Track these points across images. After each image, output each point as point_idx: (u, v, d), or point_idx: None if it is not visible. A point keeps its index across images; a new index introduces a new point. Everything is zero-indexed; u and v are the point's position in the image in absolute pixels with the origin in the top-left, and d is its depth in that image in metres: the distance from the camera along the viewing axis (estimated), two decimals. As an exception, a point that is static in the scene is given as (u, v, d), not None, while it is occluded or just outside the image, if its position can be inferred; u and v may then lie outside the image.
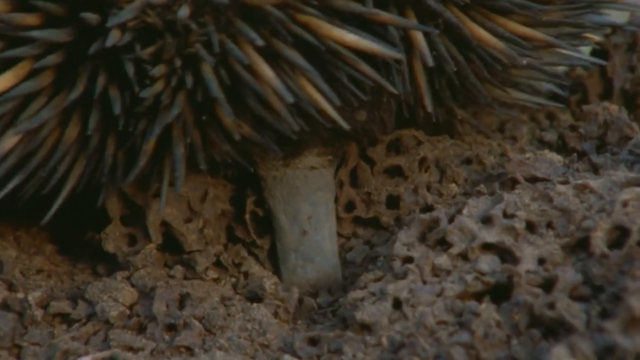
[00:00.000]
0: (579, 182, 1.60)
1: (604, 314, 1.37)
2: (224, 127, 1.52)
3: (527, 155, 1.81)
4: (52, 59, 1.44)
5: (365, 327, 1.48)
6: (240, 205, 1.84)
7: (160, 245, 1.81)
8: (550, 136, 2.05)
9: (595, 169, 1.78)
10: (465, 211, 1.61)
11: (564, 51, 1.76)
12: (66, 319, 1.68)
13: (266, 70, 1.43)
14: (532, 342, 1.38)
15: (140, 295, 1.69)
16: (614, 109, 1.94)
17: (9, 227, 1.90)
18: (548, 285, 1.44)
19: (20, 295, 1.73)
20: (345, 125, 1.55)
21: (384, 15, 1.47)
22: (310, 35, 1.44)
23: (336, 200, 1.86)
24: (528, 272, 1.47)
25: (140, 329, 1.62)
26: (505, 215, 1.57)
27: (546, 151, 1.83)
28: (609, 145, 1.88)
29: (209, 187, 1.82)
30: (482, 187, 1.75)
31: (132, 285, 1.71)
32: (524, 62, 1.62)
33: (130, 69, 1.42)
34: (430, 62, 1.53)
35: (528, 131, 2.11)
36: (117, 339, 1.57)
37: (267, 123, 1.53)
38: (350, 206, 1.87)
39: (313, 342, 1.52)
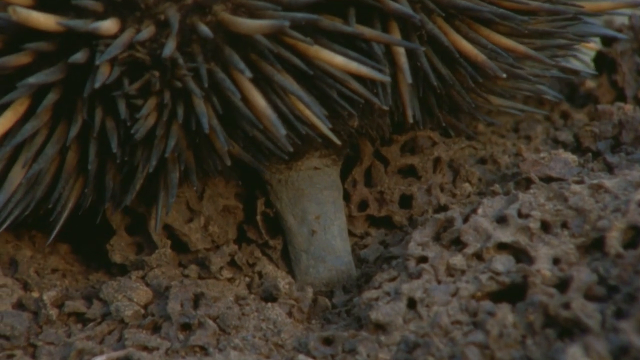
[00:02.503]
0: (594, 181, 1.60)
1: (619, 314, 1.38)
2: (216, 150, 1.55)
3: (542, 154, 1.81)
4: (51, 97, 1.47)
5: (380, 327, 1.49)
6: (250, 207, 1.86)
7: (173, 245, 1.83)
8: (565, 136, 2.06)
9: (610, 169, 1.78)
10: (480, 211, 1.62)
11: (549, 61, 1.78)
12: (81, 319, 1.70)
13: (259, 99, 1.45)
14: (547, 342, 1.39)
15: (155, 294, 1.71)
16: (629, 108, 1.94)
17: (24, 226, 1.92)
18: (563, 285, 1.45)
19: (35, 294, 1.76)
20: (337, 140, 1.58)
21: (368, 33, 1.49)
22: (297, 59, 1.46)
23: (349, 198, 1.87)
24: (543, 271, 1.48)
25: (155, 329, 1.64)
26: (520, 215, 1.57)
27: (561, 151, 1.83)
28: (623, 144, 1.88)
29: (205, 184, 1.83)
30: (496, 187, 1.76)
31: (147, 285, 1.73)
32: (504, 75, 1.63)
33: (122, 106, 1.45)
34: (409, 79, 1.55)
35: (542, 131, 2.11)
36: (132, 339, 1.59)
37: (259, 142, 1.56)
38: (363, 205, 1.89)
39: (327, 342, 1.53)
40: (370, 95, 1.55)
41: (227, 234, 1.84)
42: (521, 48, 1.64)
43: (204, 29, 1.39)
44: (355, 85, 1.52)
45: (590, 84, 2.21)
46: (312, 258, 1.76)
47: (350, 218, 1.88)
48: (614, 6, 1.75)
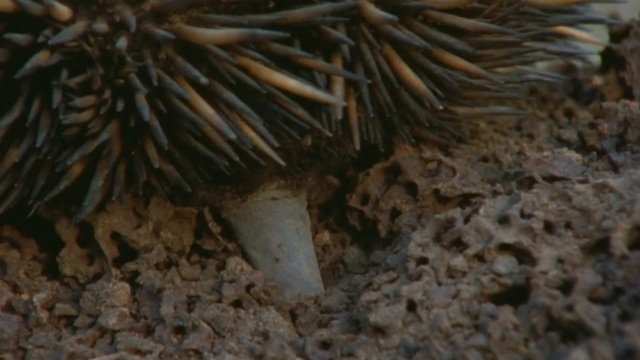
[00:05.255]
0: (599, 181, 1.60)
1: (624, 317, 1.38)
2: (148, 157, 1.55)
3: (545, 153, 1.81)
4: None
5: (379, 330, 1.49)
6: (201, 217, 1.86)
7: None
8: (569, 134, 2.05)
9: (615, 168, 1.78)
10: (481, 211, 1.62)
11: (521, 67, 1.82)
12: (72, 321, 1.70)
13: (205, 107, 1.47)
14: (550, 345, 1.39)
15: (148, 296, 1.70)
16: (634, 106, 1.93)
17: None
18: (567, 287, 1.45)
19: (25, 296, 1.75)
20: (281, 162, 1.59)
21: (313, 62, 1.52)
22: (250, 79, 1.47)
23: (354, 189, 1.87)
24: (546, 273, 1.48)
25: (148, 332, 1.63)
26: (523, 215, 1.57)
27: (564, 149, 1.83)
28: (629, 143, 1.87)
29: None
30: (498, 186, 1.76)
31: (123, 279, 1.73)
32: (440, 107, 1.65)
33: (56, 96, 1.44)
34: (340, 115, 1.56)
35: (546, 129, 2.11)
36: (124, 342, 1.59)
37: (200, 155, 1.56)
38: (364, 200, 1.89)
39: (325, 345, 1.53)
40: (315, 122, 1.57)
41: (182, 240, 1.83)
42: (472, 68, 1.65)
43: (160, 32, 1.40)
44: (300, 111, 1.54)
45: (597, 80, 2.21)
46: (278, 286, 1.73)
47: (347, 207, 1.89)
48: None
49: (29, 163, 1.55)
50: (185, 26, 1.43)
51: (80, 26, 1.40)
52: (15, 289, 1.78)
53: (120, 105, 1.46)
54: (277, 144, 1.54)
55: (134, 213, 1.81)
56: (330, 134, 1.61)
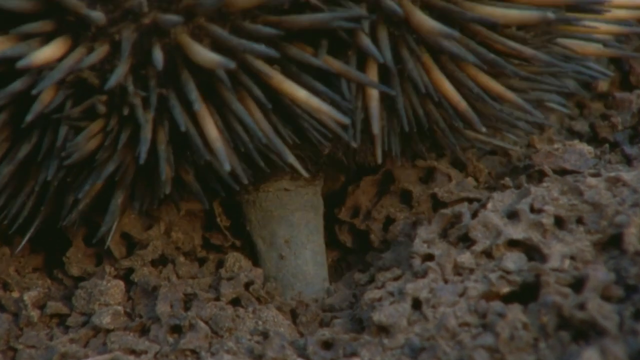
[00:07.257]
0: (611, 174, 1.60)
1: (638, 315, 1.37)
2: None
3: (556, 146, 1.82)
4: (1, 118, 1.48)
5: (383, 329, 1.49)
6: (210, 213, 1.86)
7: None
8: (580, 126, 2.07)
9: (628, 161, 1.79)
10: (489, 206, 1.62)
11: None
12: (64, 320, 1.70)
13: (211, 129, 1.45)
14: (561, 345, 1.39)
15: (143, 294, 1.71)
16: (650, 96, 1.95)
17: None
18: (578, 284, 1.45)
19: (16, 294, 1.76)
20: (304, 173, 1.61)
21: (337, 67, 1.48)
22: (259, 89, 1.46)
23: (345, 202, 1.87)
24: (557, 270, 1.47)
25: (143, 331, 1.64)
26: (533, 210, 1.58)
27: (576, 142, 1.84)
28: (643, 135, 1.90)
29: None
30: (507, 180, 1.76)
31: (117, 276, 1.74)
32: (483, 129, 1.61)
33: (63, 130, 1.46)
34: (376, 129, 1.52)
35: (556, 120, 2.12)
36: (118, 342, 1.59)
37: (215, 170, 1.55)
38: (355, 212, 1.89)
39: (327, 345, 1.53)
40: (340, 131, 1.54)
41: (192, 240, 1.84)
42: (511, 96, 1.60)
43: (157, 57, 1.39)
44: (325, 118, 1.52)
45: (603, 86, 2.22)
46: (280, 285, 1.75)
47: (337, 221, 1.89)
48: (599, 53, 1.72)
49: (51, 187, 1.57)
50: (186, 39, 1.41)
51: (71, 61, 1.39)
52: (5, 286, 1.80)
53: (124, 136, 1.46)
54: (290, 159, 1.54)
55: (145, 213, 1.81)
56: (355, 145, 1.58)
